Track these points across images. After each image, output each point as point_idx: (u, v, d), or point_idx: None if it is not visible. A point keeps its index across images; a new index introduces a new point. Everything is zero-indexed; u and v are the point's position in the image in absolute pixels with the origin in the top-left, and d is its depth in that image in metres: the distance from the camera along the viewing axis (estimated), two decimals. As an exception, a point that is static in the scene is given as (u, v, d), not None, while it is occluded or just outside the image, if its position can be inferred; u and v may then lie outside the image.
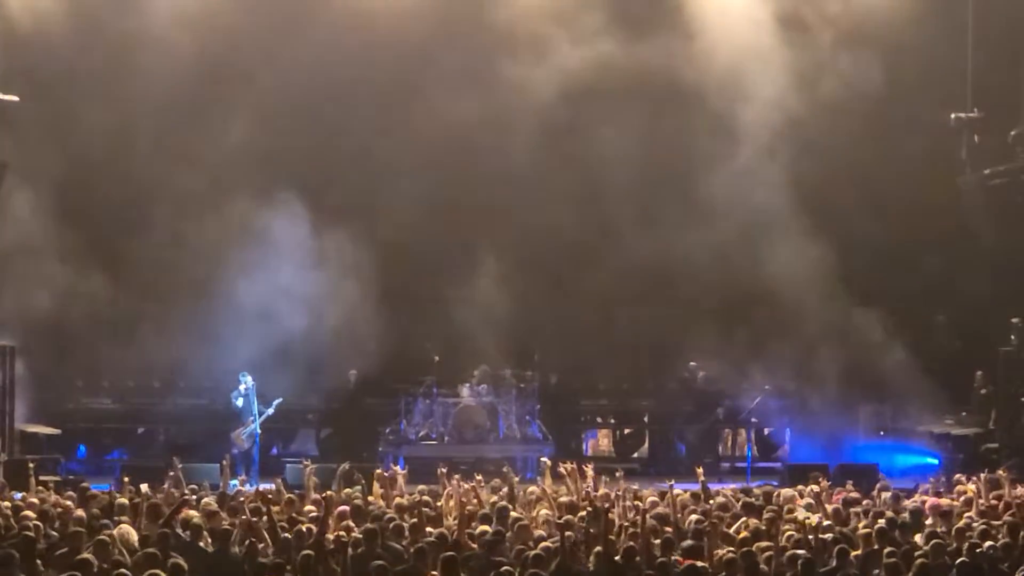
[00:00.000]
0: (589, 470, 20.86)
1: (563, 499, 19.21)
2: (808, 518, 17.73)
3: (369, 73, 28.63)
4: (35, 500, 18.81)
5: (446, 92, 28.80)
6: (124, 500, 18.73)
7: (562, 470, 20.38)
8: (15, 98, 26.32)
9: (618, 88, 29.13)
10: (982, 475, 20.69)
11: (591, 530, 16.46)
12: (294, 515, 18.09)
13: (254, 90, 28.22)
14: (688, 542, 15.91)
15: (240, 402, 26.67)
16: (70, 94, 27.71)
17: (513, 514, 17.54)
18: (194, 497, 19.14)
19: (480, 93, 28.67)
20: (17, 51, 27.04)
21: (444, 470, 20.51)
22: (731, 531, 17.24)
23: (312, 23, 28.67)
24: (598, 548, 15.42)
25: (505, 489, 19.69)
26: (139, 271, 28.24)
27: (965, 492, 20.27)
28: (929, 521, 17.95)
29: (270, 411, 26.76)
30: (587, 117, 29.23)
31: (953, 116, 28.02)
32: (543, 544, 15.56)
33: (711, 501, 19.27)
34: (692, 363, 29.32)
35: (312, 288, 27.82)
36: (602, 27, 29.01)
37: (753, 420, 29.09)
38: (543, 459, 25.25)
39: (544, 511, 18.25)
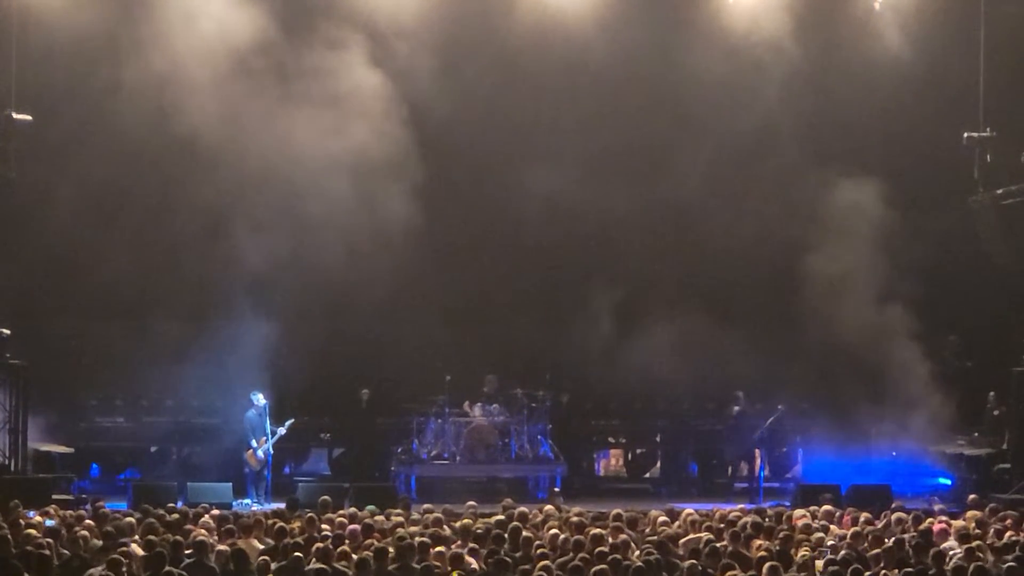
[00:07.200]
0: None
1: (574, 519, 19.26)
2: (821, 538, 17.78)
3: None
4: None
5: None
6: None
7: None
8: (28, 117, 26.38)
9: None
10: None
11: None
12: (314, 534, 18.15)
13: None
14: (690, 561, 15.88)
15: (253, 421, 26.65)
16: (83, 111, 27.75)
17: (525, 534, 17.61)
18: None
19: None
20: (29, 70, 27.07)
21: None
22: (745, 551, 17.24)
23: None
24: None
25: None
26: (153, 289, 28.25)
27: (977, 514, 20.26)
28: (947, 543, 17.91)
29: (282, 431, 26.76)
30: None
31: (965, 135, 28.00)
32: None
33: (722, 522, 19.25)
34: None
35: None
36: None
37: (761, 438, 29.04)
38: (555, 489, 25.41)
39: (553, 531, 18.29)
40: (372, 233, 27.35)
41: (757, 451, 29.27)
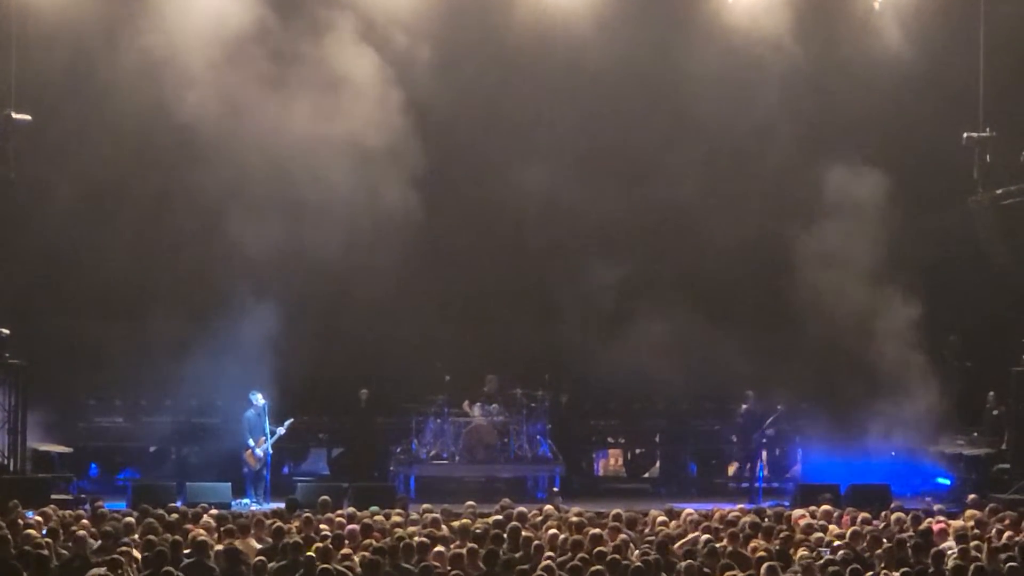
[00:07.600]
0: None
1: (573, 519, 19.25)
2: (820, 538, 17.77)
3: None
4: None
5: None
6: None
7: None
8: (27, 117, 26.36)
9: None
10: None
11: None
12: (311, 534, 18.14)
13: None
14: (686, 562, 15.87)
15: (251, 421, 26.63)
16: (82, 109, 27.73)
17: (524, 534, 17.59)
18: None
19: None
20: (29, 69, 27.05)
21: None
22: (745, 551, 17.23)
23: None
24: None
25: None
26: (153, 287, 28.21)
27: (977, 514, 20.25)
28: (947, 543, 17.90)
29: (282, 431, 26.75)
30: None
31: (965, 135, 27.98)
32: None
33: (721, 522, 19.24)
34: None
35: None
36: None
37: (765, 439, 29.08)
38: (555, 489, 25.33)
39: (553, 530, 18.27)
40: (372, 224, 27.34)
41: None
